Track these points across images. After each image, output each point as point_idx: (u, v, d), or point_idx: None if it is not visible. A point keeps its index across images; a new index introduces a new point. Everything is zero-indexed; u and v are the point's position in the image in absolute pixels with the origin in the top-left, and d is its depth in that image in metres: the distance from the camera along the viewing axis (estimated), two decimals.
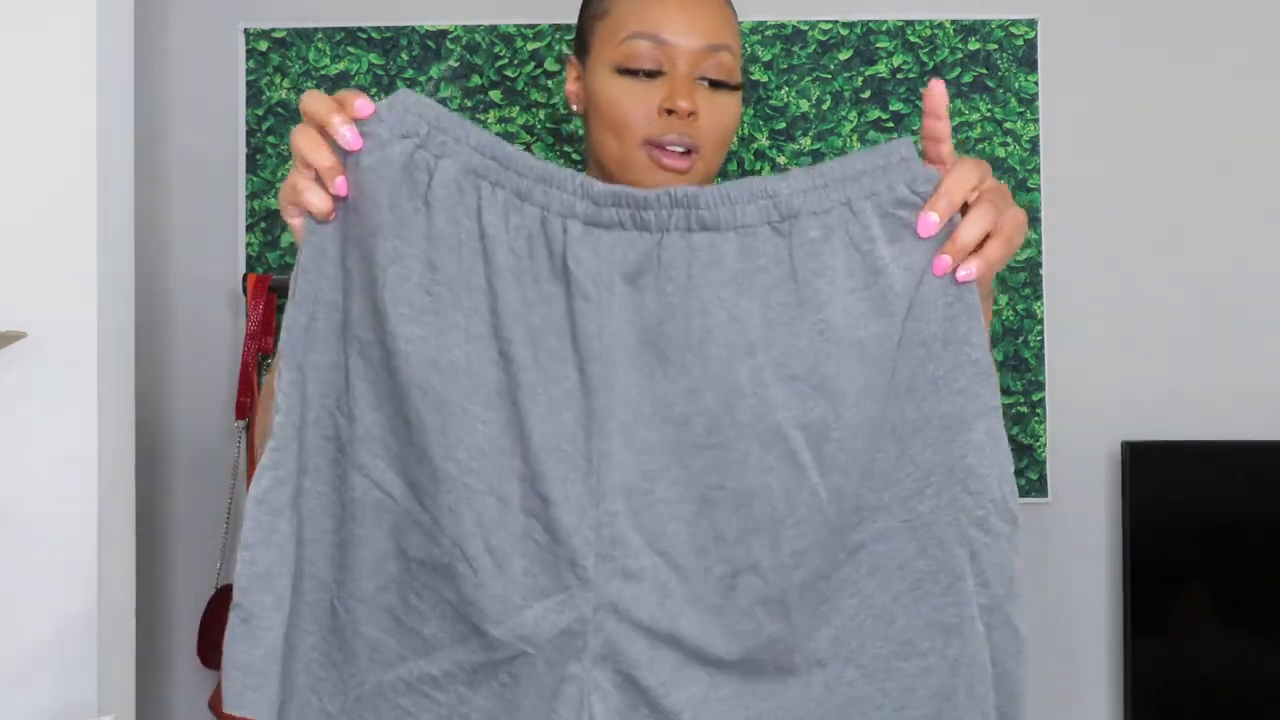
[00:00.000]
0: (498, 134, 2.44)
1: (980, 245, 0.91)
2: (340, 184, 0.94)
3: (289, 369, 0.96)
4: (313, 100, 0.95)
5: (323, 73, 2.45)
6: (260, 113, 2.45)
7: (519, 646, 0.92)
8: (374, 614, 0.97)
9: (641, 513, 0.92)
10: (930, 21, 2.42)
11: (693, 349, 0.91)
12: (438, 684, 0.95)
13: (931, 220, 0.89)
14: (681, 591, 0.92)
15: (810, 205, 0.90)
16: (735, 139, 2.41)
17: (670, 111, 1.14)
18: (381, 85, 2.45)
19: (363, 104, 0.93)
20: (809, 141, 2.42)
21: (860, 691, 0.93)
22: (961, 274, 0.90)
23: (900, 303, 0.90)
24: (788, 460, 0.90)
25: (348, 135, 0.93)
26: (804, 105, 2.42)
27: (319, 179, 0.95)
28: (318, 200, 0.95)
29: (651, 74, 1.15)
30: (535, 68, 2.44)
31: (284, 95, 2.45)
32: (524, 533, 0.92)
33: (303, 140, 0.95)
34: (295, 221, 0.99)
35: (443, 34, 2.45)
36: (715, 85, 1.17)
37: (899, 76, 2.42)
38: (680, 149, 1.15)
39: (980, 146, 2.41)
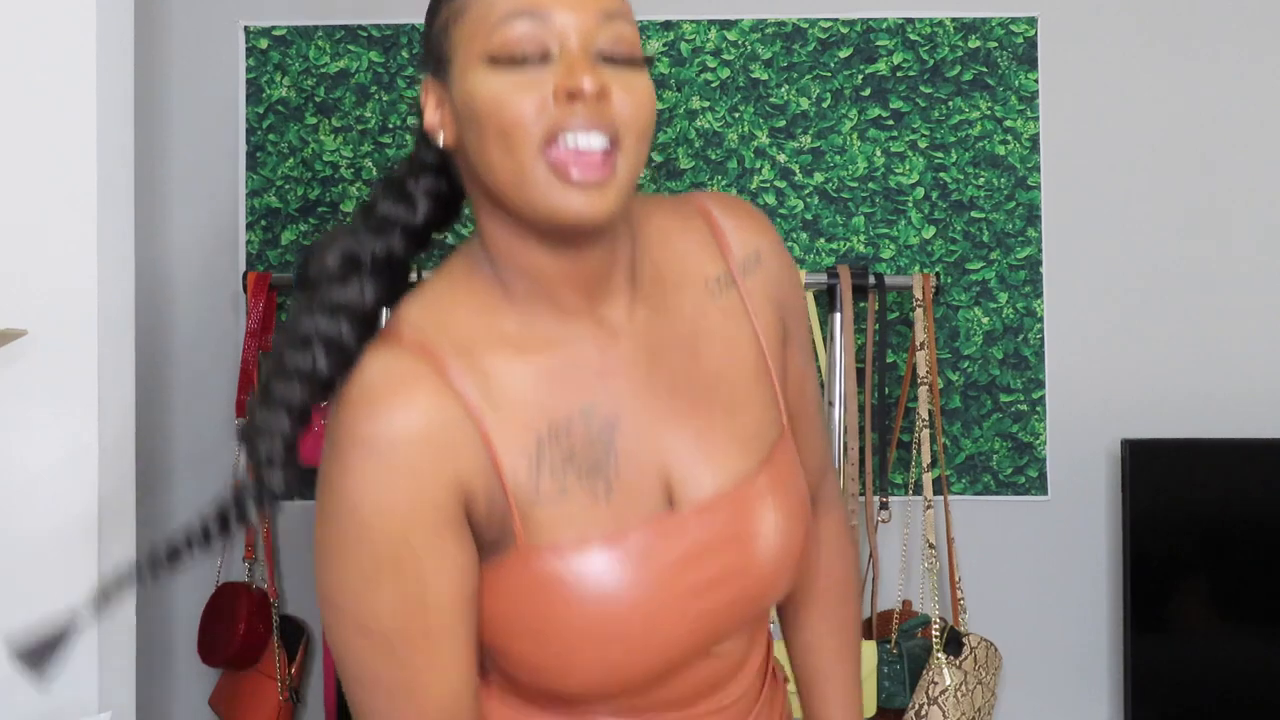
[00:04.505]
0: None
1: None
2: None
3: None
4: None
5: (323, 70, 2.45)
6: (260, 110, 2.45)
7: None
8: None
9: None
10: (930, 19, 2.42)
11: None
12: None
13: None
14: None
15: None
16: (735, 136, 2.41)
17: (572, 96, 0.88)
18: (381, 83, 2.45)
19: None
20: (809, 139, 2.41)
21: None
22: None
23: None
24: None
25: None
26: (804, 103, 2.42)
27: None
28: None
29: (537, 60, 0.90)
30: None
31: (284, 93, 2.45)
32: None
33: None
34: None
35: None
36: (619, 62, 0.91)
37: (899, 74, 2.42)
38: (597, 145, 0.89)
39: (981, 144, 2.40)
